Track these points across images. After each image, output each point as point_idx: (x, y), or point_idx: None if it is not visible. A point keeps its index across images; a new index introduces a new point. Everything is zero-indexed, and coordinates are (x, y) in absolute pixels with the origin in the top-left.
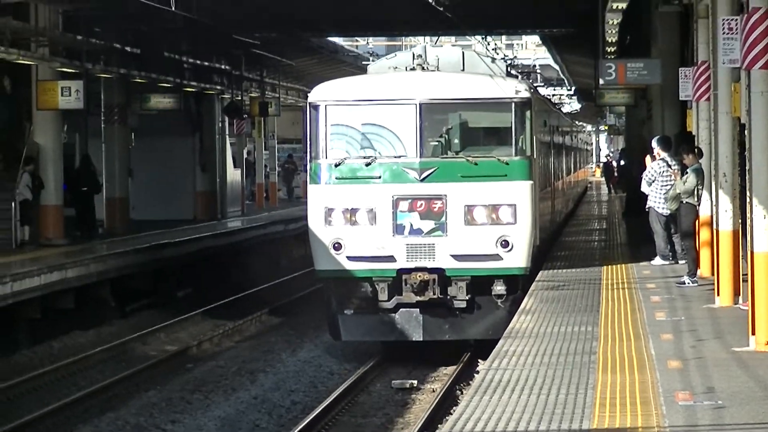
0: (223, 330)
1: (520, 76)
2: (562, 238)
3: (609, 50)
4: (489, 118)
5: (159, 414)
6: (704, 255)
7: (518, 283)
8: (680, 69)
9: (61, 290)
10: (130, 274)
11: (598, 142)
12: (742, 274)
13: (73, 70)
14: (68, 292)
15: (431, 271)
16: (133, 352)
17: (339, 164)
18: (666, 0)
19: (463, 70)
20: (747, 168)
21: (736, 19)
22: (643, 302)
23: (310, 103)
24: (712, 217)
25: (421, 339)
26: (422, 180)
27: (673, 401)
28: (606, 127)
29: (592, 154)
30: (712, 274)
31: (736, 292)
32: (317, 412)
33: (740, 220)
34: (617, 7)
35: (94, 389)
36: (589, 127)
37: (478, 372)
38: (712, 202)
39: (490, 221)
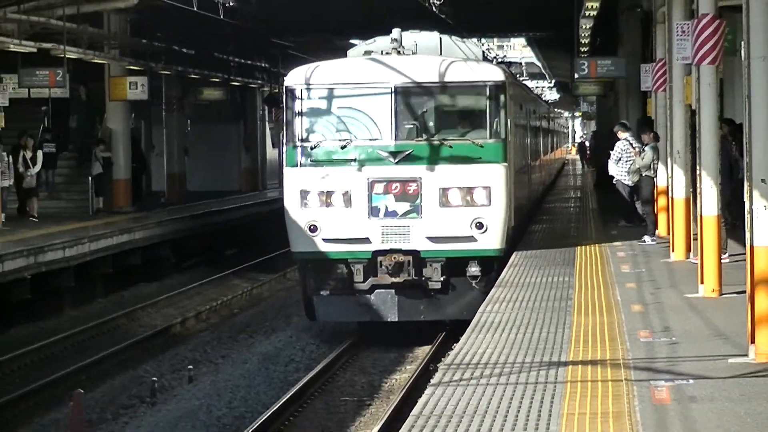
0: (263, 281)
1: (494, 61)
2: (543, 205)
3: (582, 50)
4: (464, 102)
5: (211, 350)
6: (661, 218)
7: (493, 265)
8: (641, 65)
9: (129, 249)
10: (187, 236)
11: (573, 126)
12: (693, 234)
13: (139, 68)
14: (135, 252)
15: (406, 252)
16: (189, 300)
17: (315, 147)
18: (630, 7)
19: (441, 55)
20: (697, 146)
21: (688, 23)
22: (610, 257)
23: (286, 86)
24: (667, 187)
25: (396, 319)
26: (397, 162)
27: (636, 338)
28: (580, 114)
29: (568, 136)
30: (668, 234)
31: (688, 249)
32: (340, 349)
33: (691, 190)
34: (589, 14)
35: (156, 330)
36: (566, 114)
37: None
38: (667, 174)
39: (465, 203)
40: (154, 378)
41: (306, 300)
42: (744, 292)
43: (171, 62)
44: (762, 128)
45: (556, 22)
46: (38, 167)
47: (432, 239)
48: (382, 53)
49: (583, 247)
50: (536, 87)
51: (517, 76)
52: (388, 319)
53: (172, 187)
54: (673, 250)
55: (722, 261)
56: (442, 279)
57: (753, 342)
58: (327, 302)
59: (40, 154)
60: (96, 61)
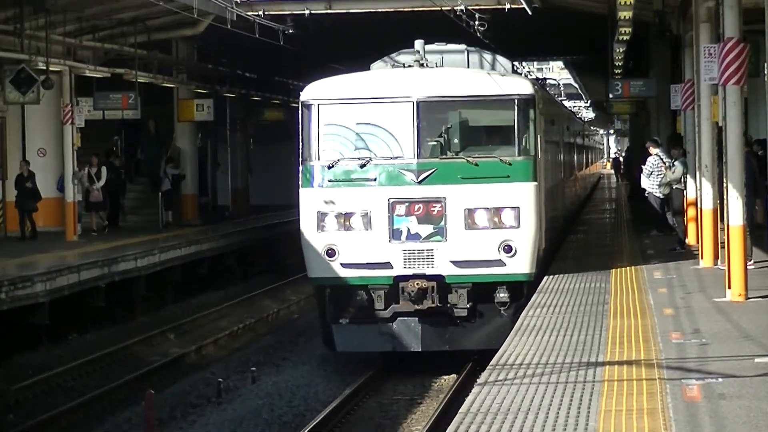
0: None
1: (524, 74)
2: (581, 217)
3: (616, 72)
4: (490, 117)
5: (273, 353)
6: (691, 228)
7: (522, 290)
8: (671, 85)
9: (197, 260)
10: (250, 247)
11: (608, 142)
12: (720, 242)
13: (205, 91)
14: (203, 261)
15: (430, 278)
16: (253, 306)
17: (332, 166)
18: (660, 33)
19: (468, 68)
20: (723, 160)
21: (715, 47)
22: (643, 263)
23: (302, 101)
24: (696, 198)
25: (420, 350)
26: (420, 182)
27: (668, 339)
28: (614, 131)
29: (603, 152)
30: (697, 242)
31: (716, 256)
32: None
33: (718, 201)
34: (622, 38)
35: (223, 335)
36: (601, 131)
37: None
38: (696, 187)
39: (492, 225)
40: (220, 379)
41: (324, 328)
42: None
43: (235, 85)
44: None
45: (591, 47)
46: (102, 181)
47: (457, 264)
48: (404, 66)
49: (618, 255)
50: (573, 106)
51: (555, 96)
52: (411, 349)
53: (236, 201)
54: (701, 258)
55: (748, 267)
56: (468, 306)
57: None
58: (346, 331)
59: (104, 169)
60: (165, 84)
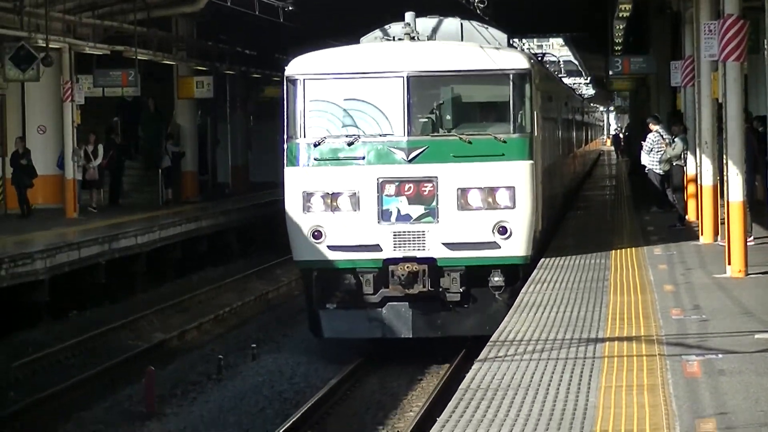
0: None
1: (520, 48)
2: (581, 193)
3: (616, 48)
4: (484, 92)
5: (273, 330)
6: (691, 204)
7: (518, 273)
8: (671, 62)
9: (197, 237)
10: (250, 224)
11: (608, 119)
12: (720, 218)
13: (205, 68)
14: (202, 239)
15: (421, 261)
16: (252, 283)
17: (318, 144)
18: (660, 9)
19: (462, 41)
20: (724, 137)
21: (715, 23)
22: (643, 240)
23: (287, 76)
24: (696, 175)
25: (411, 336)
26: (410, 161)
27: (668, 315)
28: (614, 108)
29: (603, 129)
30: (697, 219)
31: (716, 233)
32: None
33: (718, 177)
34: (622, 15)
35: (222, 312)
36: (601, 108)
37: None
38: (696, 163)
39: (486, 206)
40: (220, 356)
41: (311, 314)
42: None
43: (235, 63)
44: None
45: (591, 23)
46: (99, 159)
47: (450, 246)
48: (394, 39)
49: (618, 231)
50: (574, 83)
51: (555, 73)
52: (401, 336)
53: (236, 179)
54: (701, 234)
55: (748, 244)
56: (461, 290)
57: None
58: (334, 317)
59: (101, 147)
60: (165, 62)
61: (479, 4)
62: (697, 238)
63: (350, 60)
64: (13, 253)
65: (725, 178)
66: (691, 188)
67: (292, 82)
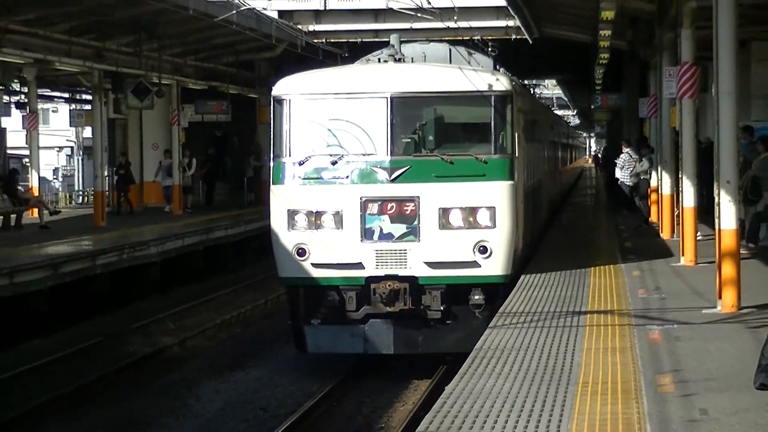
0: None
1: (503, 70)
2: (569, 199)
3: (597, 88)
4: (466, 113)
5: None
6: (653, 209)
7: (498, 292)
8: (639, 98)
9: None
10: None
11: (590, 142)
12: (676, 219)
13: None
14: None
15: (402, 279)
16: None
17: (303, 163)
18: (631, 57)
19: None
20: (680, 157)
21: (674, 69)
22: (616, 236)
23: (273, 96)
24: (658, 186)
25: (392, 352)
26: (393, 180)
27: (636, 295)
28: (595, 134)
29: (586, 150)
30: (658, 220)
31: (672, 231)
32: None
33: (676, 188)
34: (602, 62)
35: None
36: (584, 134)
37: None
38: (658, 177)
39: (467, 225)
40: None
41: (296, 330)
42: (713, 262)
43: None
44: (727, 144)
45: (577, 68)
46: (193, 170)
47: (431, 265)
48: (379, 61)
49: (597, 229)
50: (563, 114)
51: (550, 106)
52: (383, 352)
53: None
54: (662, 232)
55: (697, 239)
56: (442, 308)
57: (720, 298)
58: (318, 332)
59: (194, 160)
60: (250, 95)
61: (492, 53)
62: (658, 236)
63: (335, 81)
64: (133, 241)
65: (680, 188)
66: (653, 196)
67: (279, 102)
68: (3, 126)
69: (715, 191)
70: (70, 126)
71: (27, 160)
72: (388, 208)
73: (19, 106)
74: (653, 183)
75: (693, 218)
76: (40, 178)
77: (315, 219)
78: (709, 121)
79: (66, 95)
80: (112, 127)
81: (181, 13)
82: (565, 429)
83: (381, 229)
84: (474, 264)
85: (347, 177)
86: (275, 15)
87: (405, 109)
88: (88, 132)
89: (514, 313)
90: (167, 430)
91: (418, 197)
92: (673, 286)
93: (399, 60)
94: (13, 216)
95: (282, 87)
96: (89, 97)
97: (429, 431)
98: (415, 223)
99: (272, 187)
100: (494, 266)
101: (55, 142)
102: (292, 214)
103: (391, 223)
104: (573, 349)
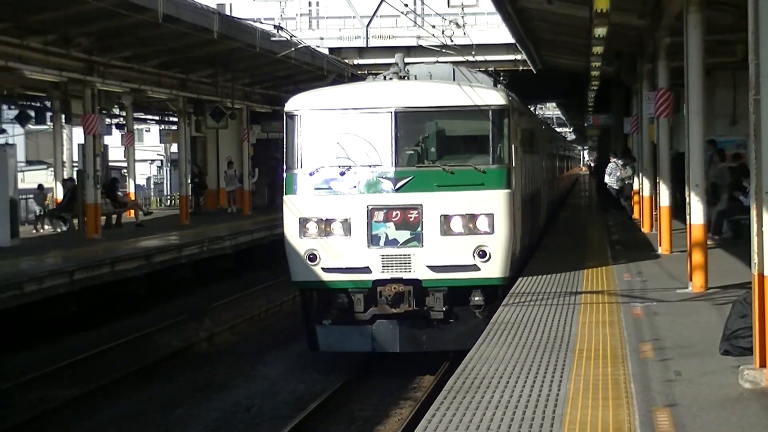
0: None
1: (501, 86)
2: (567, 201)
3: (589, 109)
4: (466, 127)
5: None
6: (636, 209)
7: (496, 293)
8: (624, 118)
9: None
10: None
11: (584, 154)
12: (654, 216)
13: None
14: None
15: (407, 282)
16: None
17: (314, 174)
18: (617, 84)
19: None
20: (657, 165)
21: (652, 93)
22: (605, 231)
23: (286, 112)
24: (639, 189)
25: (398, 350)
26: (397, 190)
27: (622, 278)
28: (588, 147)
29: (580, 161)
30: (639, 217)
31: (651, 225)
32: None
33: (654, 191)
34: (593, 88)
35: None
36: (579, 147)
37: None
38: (639, 182)
39: (467, 231)
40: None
41: (308, 330)
42: (685, 251)
43: None
44: (696, 154)
45: (573, 93)
46: (255, 178)
47: (434, 268)
48: (384, 79)
49: (589, 224)
50: (562, 131)
51: (551, 125)
52: (390, 350)
53: None
54: (642, 227)
55: (672, 232)
56: (444, 309)
57: (691, 280)
58: (329, 332)
59: (256, 170)
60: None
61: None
62: (640, 230)
63: (343, 97)
64: (211, 236)
65: (658, 191)
66: (636, 198)
67: (291, 117)
68: (105, 143)
69: (687, 193)
70: (160, 143)
71: (125, 170)
72: (393, 215)
73: (119, 126)
74: (635, 186)
75: (668, 215)
76: (135, 185)
77: (325, 226)
78: (681, 136)
79: (156, 117)
80: (194, 143)
81: (250, 51)
82: (565, 388)
83: (387, 236)
84: (474, 267)
85: (355, 187)
86: (326, 51)
87: (408, 123)
88: (174, 148)
89: (523, 293)
90: (240, 390)
91: (421, 205)
92: (653, 270)
93: (403, 77)
94: (114, 216)
95: (294, 103)
96: (175, 119)
97: (454, 389)
98: (419, 229)
99: (285, 197)
100: (493, 269)
101: (147, 156)
102: (303, 222)
103: (396, 229)
104: (571, 322)
